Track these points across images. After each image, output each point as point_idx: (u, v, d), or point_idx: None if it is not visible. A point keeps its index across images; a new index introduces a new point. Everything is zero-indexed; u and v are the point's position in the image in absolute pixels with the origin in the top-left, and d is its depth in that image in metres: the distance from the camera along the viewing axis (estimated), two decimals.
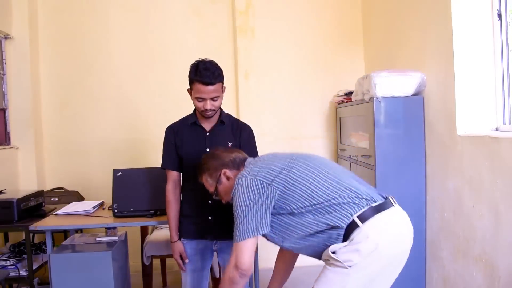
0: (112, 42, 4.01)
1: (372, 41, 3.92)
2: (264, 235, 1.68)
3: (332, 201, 1.58)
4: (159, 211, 2.56)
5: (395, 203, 1.66)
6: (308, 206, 1.60)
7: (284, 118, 4.04)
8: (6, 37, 3.66)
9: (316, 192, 1.60)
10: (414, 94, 2.81)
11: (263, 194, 1.61)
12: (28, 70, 3.75)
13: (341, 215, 1.56)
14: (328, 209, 1.58)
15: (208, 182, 1.86)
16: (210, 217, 2.12)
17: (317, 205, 1.59)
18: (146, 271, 3.17)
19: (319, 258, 1.68)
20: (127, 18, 4.02)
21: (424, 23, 2.81)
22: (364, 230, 1.53)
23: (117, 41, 4.01)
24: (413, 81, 2.76)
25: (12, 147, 3.70)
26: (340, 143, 3.83)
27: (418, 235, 2.81)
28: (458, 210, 2.46)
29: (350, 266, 1.52)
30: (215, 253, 2.25)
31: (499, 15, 2.38)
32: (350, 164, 3.42)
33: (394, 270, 1.63)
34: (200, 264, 2.17)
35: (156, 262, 3.40)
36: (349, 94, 3.51)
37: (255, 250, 1.65)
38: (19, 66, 3.73)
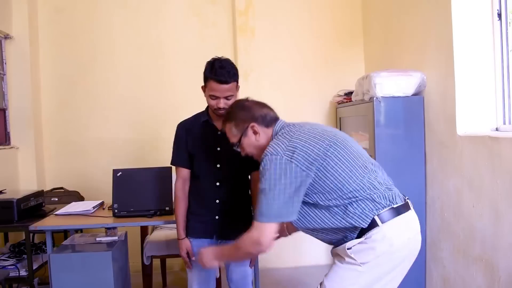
0: (112, 42, 4.02)
1: (372, 41, 3.92)
2: None
3: (358, 196, 1.55)
4: (159, 211, 2.56)
5: (411, 206, 1.67)
6: (334, 199, 1.55)
7: (284, 118, 4.03)
8: (6, 37, 3.66)
9: (346, 186, 1.55)
10: (414, 94, 2.81)
11: (295, 179, 1.51)
12: (28, 70, 3.75)
13: (363, 214, 1.54)
14: (354, 204, 1.55)
15: (232, 132, 1.77)
16: (216, 217, 2.12)
17: (344, 199, 1.55)
18: (146, 271, 3.17)
19: (328, 243, 1.68)
20: (127, 18, 4.02)
21: (424, 23, 2.81)
22: (383, 230, 1.53)
23: (117, 41, 4.02)
24: (413, 81, 2.76)
25: (12, 147, 3.70)
26: None
27: None
28: (458, 210, 2.46)
29: (363, 264, 1.52)
30: None
31: (499, 15, 2.38)
32: None
33: (402, 271, 1.63)
34: None
35: (156, 262, 3.40)
36: (349, 94, 3.51)
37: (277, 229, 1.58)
38: (19, 66, 3.73)
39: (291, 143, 1.57)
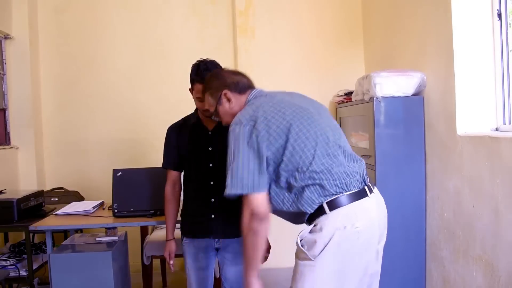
0: (112, 42, 4.02)
1: (372, 41, 3.92)
2: None
3: (311, 180, 1.53)
4: (159, 211, 2.56)
5: (370, 192, 1.61)
6: (291, 178, 1.54)
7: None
8: (6, 37, 3.67)
9: (302, 166, 1.53)
10: (414, 94, 2.81)
11: (257, 147, 1.53)
12: (28, 70, 3.76)
13: (311, 200, 1.53)
14: (306, 188, 1.53)
15: (209, 101, 1.80)
16: (212, 216, 2.12)
17: (298, 181, 1.53)
18: (146, 271, 3.17)
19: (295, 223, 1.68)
20: (127, 18, 4.02)
21: (424, 23, 2.81)
22: (329, 219, 1.51)
23: (117, 41, 4.02)
24: (413, 81, 2.76)
25: (12, 147, 3.70)
26: None
27: (418, 235, 2.82)
28: (458, 210, 2.46)
29: (314, 258, 1.50)
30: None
31: (499, 15, 2.38)
32: None
33: (361, 263, 1.57)
34: (204, 262, 2.18)
35: (156, 262, 3.41)
36: (349, 94, 3.51)
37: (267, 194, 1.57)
38: (19, 66, 3.73)
39: (255, 113, 1.59)
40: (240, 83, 1.77)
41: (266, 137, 1.54)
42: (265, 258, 2.33)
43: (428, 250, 2.81)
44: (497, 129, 2.42)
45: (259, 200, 1.53)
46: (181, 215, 2.26)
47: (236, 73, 1.83)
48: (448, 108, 2.54)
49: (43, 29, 3.95)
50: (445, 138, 2.58)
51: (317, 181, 1.54)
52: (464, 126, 2.45)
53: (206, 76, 1.87)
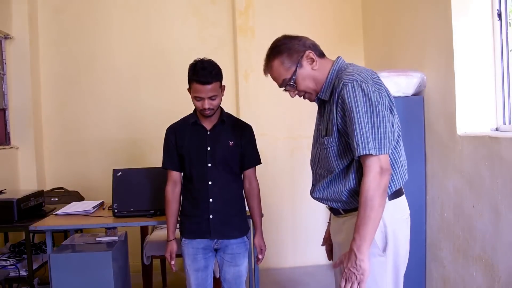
0: (112, 42, 4.02)
1: (372, 41, 3.92)
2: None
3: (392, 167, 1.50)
4: (159, 211, 2.56)
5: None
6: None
7: (284, 118, 4.04)
8: (6, 37, 3.67)
9: (393, 151, 1.51)
10: (414, 94, 2.81)
11: (387, 109, 1.43)
12: (28, 70, 3.76)
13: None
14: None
15: (284, 66, 1.56)
16: (211, 216, 2.13)
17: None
18: (146, 271, 3.17)
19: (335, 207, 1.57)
20: (127, 18, 4.02)
21: (424, 23, 2.81)
22: (387, 208, 1.43)
23: (117, 41, 4.02)
24: (413, 81, 2.76)
25: (12, 147, 3.70)
26: None
27: (418, 235, 2.82)
28: (458, 210, 2.46)
29: (384, 252, 1.46)
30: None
31: (499, 15, 2.38)
32: None
33: (408, 251, 1.58)
34: (203, 263, 2.18)
35: (156, 262, 3.41)
36: None
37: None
38: (19, 66, 3.73)
39: (372, 74, 1.48)
40: (318, 47, 1.61)
41: (388, 102, 1.47)
42: (261, 260, 2.33)
43: (428, 250, 2.81)
44: (497, 129, 2.42)
45: (387, 158, 1.42)
46: (179, 216, 2.26)
47: (306, 38, 1.66)
48: (448, 108, 2.54)
49: (43, 29, 3.95)
50: (445, 138, 2.58)
51: (394, 168, 1.50)
52: (464, 126, 2.45)
53: (276, 40, 1.69)
